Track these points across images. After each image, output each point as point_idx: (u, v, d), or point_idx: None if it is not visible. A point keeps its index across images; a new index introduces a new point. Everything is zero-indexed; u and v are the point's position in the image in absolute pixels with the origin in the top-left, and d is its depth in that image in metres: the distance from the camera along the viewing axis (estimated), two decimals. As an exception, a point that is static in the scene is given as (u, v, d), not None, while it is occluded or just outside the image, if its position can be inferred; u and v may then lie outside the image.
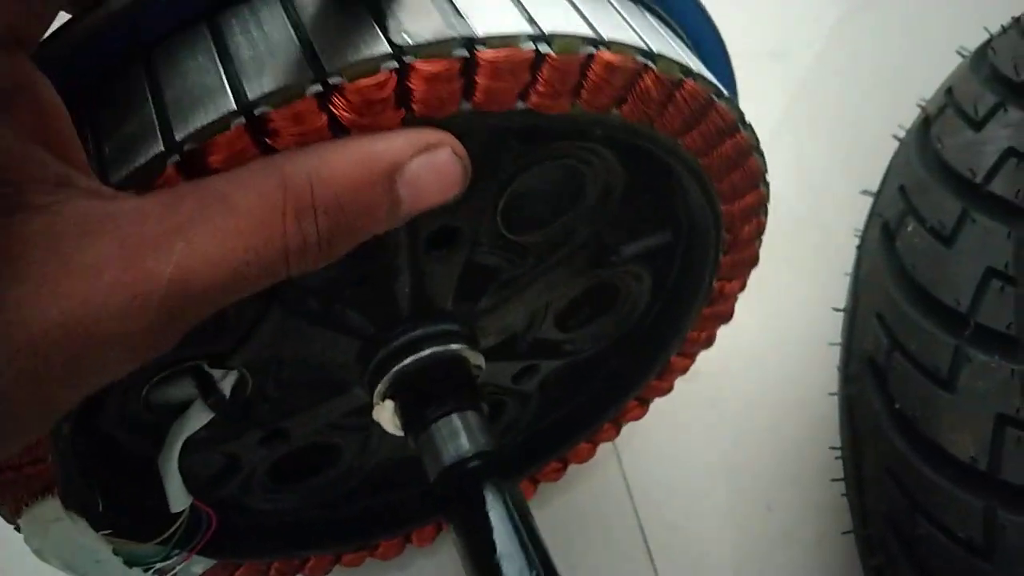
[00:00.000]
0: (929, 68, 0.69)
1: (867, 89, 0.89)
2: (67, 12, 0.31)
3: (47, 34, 0.29)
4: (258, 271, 0.28)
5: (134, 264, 0.25)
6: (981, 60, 0.64)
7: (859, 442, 0.58)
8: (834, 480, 0.61)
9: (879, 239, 0.60)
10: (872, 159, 0.68)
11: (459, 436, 0.42)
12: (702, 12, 0.45)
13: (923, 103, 0.66)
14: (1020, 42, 0.62)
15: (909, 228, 0.57)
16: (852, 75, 0.91)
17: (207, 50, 0.31)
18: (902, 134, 0.66)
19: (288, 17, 0.32)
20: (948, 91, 0.63)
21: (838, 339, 0.63)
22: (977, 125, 0.58)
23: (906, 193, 0.59)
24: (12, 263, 0.24)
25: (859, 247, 0.63)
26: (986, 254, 0.53)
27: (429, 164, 0.31)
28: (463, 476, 0.41)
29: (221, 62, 0.31)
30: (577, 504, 0.70)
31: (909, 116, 0.67)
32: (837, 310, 0.63)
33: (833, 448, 0.61)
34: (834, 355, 0.63)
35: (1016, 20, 0.65)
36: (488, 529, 0.39)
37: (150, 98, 0.31)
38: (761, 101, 0.47)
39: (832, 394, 0.62)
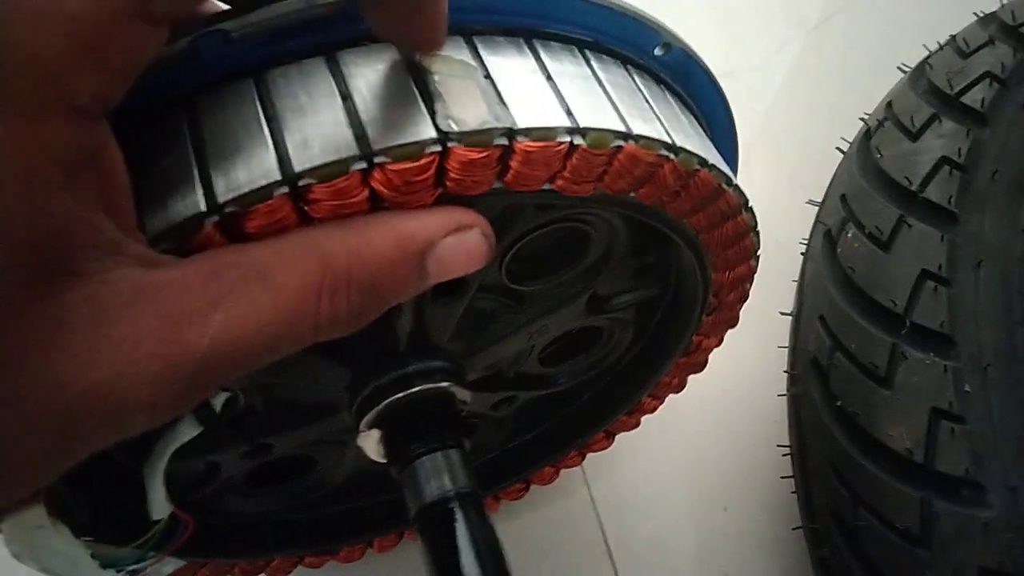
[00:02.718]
0: (873, 85, 0.72)
1: (814, 105, 0.92)
2: None
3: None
4: (288, 342, 0.29)
5: (172, 337, 0.26)
6: (919, 75, 0.67)
7: (804, 439, 0.60)
8: (784, 477, 0.63)
9: (822, 245, 0.62)
10: (818, 171, 0.71)
11: (441, 475, 0.42)
12: (719, 94, 0.47)
13: (866, 117, 0.69)
14: (954, 58, 0.65)
15: (849, 234, 0.60)
16: (800, 92, 0.95)
17: (252, 107, 0.31)
18: (846, 147, 0.69)
19: (337, 85, 0.32)
20: (888, 105, 0.66)
21: (787, 342, 0.66)
22: (913, 136, 0.61)
23: (847, 201, 0.62)
24: (56, 329, 0.24)
25: (804, 254, 0.66)
26: (921, 257, 0.56)
27: (459, 243, 0.32)
28: (442, 514, 0.42)
29: (267, 122, 0.31)
30: (540, 507, 0.72)
31: (854, 130, 0.70)
32: (784, 314, 0.65)
33: (781, 446, 0.63)
34: (783, 358, 0.65)
35: (952, 38, 0.69)
36: (459, 568, 0.40)
37: (191, 147, 0.31)
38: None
39: (781, 395, 0.65)
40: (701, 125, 0.46)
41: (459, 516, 0.41)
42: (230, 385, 0.42)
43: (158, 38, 0.27)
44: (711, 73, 0.45)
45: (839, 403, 0.56)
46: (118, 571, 0.44)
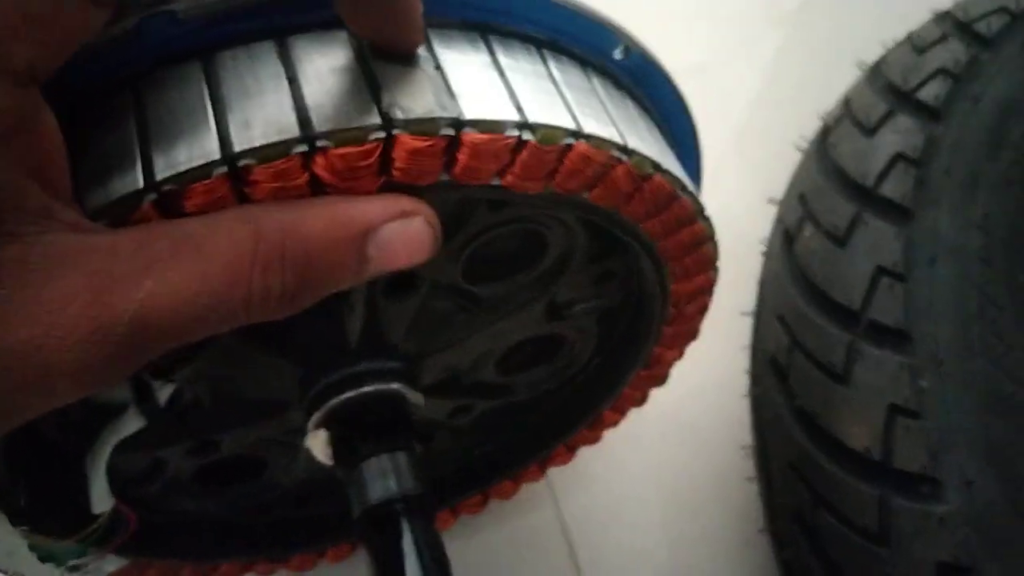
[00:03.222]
0: (836, 83, 0.72)
1: (778, 103, 0.92)
2: None
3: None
4: (219, 316, 0.28)
5: (100, 299, 0.26)
6: (876, 73, 0.67)
7: (766, 440, 0.59)
8: (748, 479, 0.63)
9: (780, 244, 0.62)
10: (781, 170, 0.71)
11: (387, 476, 0.42)
12: (680, 100, 0.47)
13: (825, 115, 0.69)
14: (910, 55, 0.65)
15: (807, 233, 0.60)
16: (765, 90, 0.95)
17: (198, 88, 0.31)
18: (805, 145, 0.69)
19: (285, 70, 0.32)
20: (846, 102, 0.67)
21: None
22: (869, 132, 0.62)
23: (805, 200, 0.62)
24: None
25: (764, 253, 0.66)
26: (877, 253, 0.56)
27: (402, 230, 0.32)
28: (386, 517, 0.41)
29: (211, 104, 0.31)
30: (505, 515, 0.71)
31: (815, 128, 0.70)
32: (745, 314, 0.65)
33: (744, 447, 0.63)
34: (747, 359, 0.65)
35: (908, 35, 0.69)
36: (402, 571, 0.40)
37: (135, 126, 0.31)
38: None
39: (745, 396, 0.64)
40: (661, 131, 0.46)
41: (403, 519, 0.41)
42: (175, 376, 0.41)
43: (99, 15, 0.27)
44: (672, 79, 0.45)
45: (798, 402, 0.56)
46: (57, 565, 0.44)
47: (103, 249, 0.27)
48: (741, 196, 0.81)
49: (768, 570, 0.66)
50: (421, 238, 0.33)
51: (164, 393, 0.41)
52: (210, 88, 0.31)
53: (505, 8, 0.37)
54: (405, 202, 0.32)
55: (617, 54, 0.41)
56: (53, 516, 0.42)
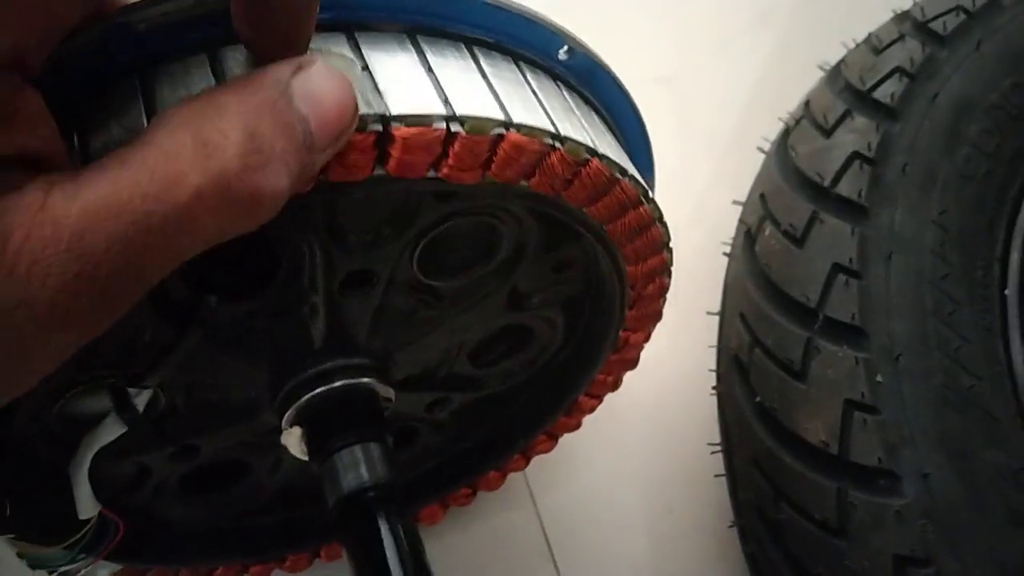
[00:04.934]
0: (806, 87, 0.73)
1: (745, 108, 0.93)
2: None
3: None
4: (174, 221, 0.27)
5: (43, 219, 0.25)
6: (836, 73, 0.68)
7: (730, 436, 0.60)
8: (717, 476, 0.63)
9: (743, 244, 0.63)
10: (748, 173, 0.71)
11: (359, 466, 0.43)
12: (620, 90, 0.47)
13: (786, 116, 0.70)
14: (868, 56, 0.66)
15: (767, 232, 0.61)
16: (731, 96, 0.96)
17: (135, 103, 0.32)
18: (767, 147, 0.70)
19: (216, 79, 0.33)
20: (806, 104, 0.67)
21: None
22: (827, 132, 0.62)
23: (765, 200, 0.63)
24: None
25: (728, 254, 0.66)
26: (833, 251, 0.57)
27: (309, 77, 0.31)
28: (359, 505, 0.42)
29: (147, 116, 0.32)
30: (486, 518, 0.72)
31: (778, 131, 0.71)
32: (711, 314, 0.66)
33: (711, 444, 0.64)
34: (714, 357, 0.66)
35: (869, 36, 0.70)
36: (380, 558, 0.40)
37: (75, 136, 0.32)
38: (649, 123, 0.50)
39: (713, 394, 0.65)
40: (609, 126, 0.47)
41: (376, 507, 0.42)
42: (148, 382, 0.42)
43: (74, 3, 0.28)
44: (616, 76, 0.46)
45: (758, 398, 0.57)
46: (49, 572, 0.45)
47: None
48: (711, 199, 0.82)
49: (738, 564, 0.67)
50: (331, 77, 0.31)
51: (141, 400, 0.42)
52: (145, 102, 0.32)
53: (440, 11, 0.38)
54: (292, 60, 0.31)
55: (561, 54, 0.42)
56: (39, 524, 0.43)
